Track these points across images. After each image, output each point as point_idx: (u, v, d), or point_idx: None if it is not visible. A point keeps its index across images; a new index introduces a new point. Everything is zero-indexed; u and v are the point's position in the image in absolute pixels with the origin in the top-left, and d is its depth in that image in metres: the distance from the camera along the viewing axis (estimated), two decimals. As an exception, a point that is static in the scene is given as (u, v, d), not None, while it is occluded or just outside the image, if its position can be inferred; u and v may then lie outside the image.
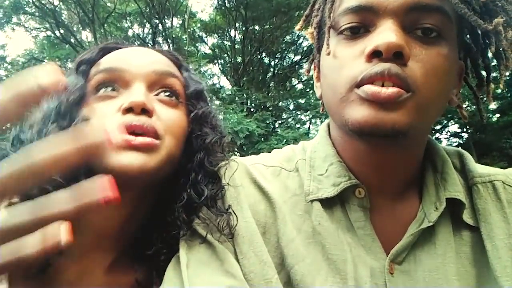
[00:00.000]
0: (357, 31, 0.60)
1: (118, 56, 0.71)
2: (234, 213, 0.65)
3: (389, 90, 0.54)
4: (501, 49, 0.60)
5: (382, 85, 0.54)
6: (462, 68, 0.67)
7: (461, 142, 14.94)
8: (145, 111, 0.64)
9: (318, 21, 0.71)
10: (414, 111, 0.55)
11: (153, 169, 0.63)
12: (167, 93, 0.71)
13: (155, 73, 0.69)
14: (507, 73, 0.67)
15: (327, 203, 0.66)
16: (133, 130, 0.62)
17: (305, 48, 15.33)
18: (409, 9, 0.56)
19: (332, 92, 0.62)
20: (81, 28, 13.91)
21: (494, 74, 0.70)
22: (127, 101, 0.63)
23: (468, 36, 0.67)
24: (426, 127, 0.63)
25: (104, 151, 0.28)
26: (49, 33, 13.65)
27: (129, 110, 0.63)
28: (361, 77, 0.56)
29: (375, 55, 0.55)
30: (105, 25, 12.87)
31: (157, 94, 0.70)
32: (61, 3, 12.15)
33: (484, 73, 0.69)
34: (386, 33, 0.55)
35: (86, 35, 14.26)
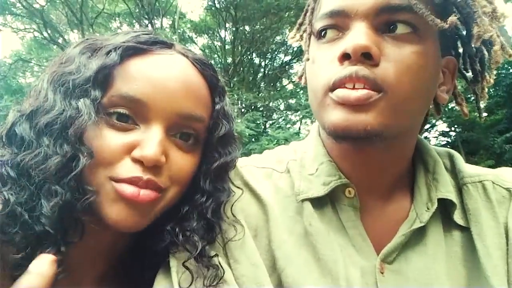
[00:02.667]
0: (332, 35, 0.61)
1: (144, 77, 0.59)
2: (221, 266, 0.60)
3: (359, 93, 0.54)
4: (475, 46, 0.61)
5: (353, 88, 0.55)
6: (454, 64, 0.67)
7: (449, 140, 15.12)
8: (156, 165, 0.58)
9: (305, 29, 0.72)
10: (386, 111, 0.55)
11: (146, 225, 0.60)
12: (186, 139, 0.63)
13: (180, 115, 0.60)
14: (494, 72, 0.68)
15: (318, 204, 0.65)
16: (137, 184, 0.57)
17: (295, 49, 15.38)
18: (379, 11, 0.56)
19: (312, 96, 0.64)
20: (69, 29, 13.76)
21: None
22: (141, 151, 0.56)
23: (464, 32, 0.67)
24: (406, 126, 0.61)
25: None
26: (36, 34, 13.49)
27: (140, 160, 0.57)
28: (333, 81, 0.57)
29: (345, 58, 0.56)
30: (94, 25, 12.75)
31: (174, 135, 0.62)
32: (48, 4, 11.99)
33: (479, 67, 0.69)
34: (355, 36, 0.56)
35: (74, 36, 14.13)
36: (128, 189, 0.56)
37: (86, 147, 0.55)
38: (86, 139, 0.56)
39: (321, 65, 0.61)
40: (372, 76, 0.54)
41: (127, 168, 0.56)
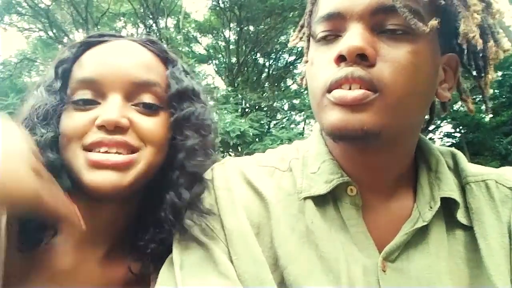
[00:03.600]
0: (330, 38, 0.61)
1: (96, 60, 0.68)
2: (219, 216, 0.64)
3: (355, 93, 0.55)
4: (465, 45, 0.60)
5: (350, 89, 0.56)
6: (456, 61, 0.67)
7: (454, 142, 15.04)
8: (118, 127, 0.63)
9: (304, 31, 0.73)
10: (383, 111, 0.55)
11: (128, 185, 0.64)
12: (146, 106, 0.69)
13: (133, 83, 0.68)
14: (500, 73, 0.67)
15: (320, 202, 0.66)
16: (106, 149, 0.63)
17: (299, 49, 15.31)
18: (374, 12, 0.57)
19: (312, 98, 0.64)
20: (74, 29, 13.81)
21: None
22: (100, 117, 0.63)
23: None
24: (404, 125, 0.61)
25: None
26: (42, 33, 13.55)
27: (102, 126, 0.63)
28: (329, 82, 0.58)
29: (341, 59, 0.57)
30: (99, 25, 12.80)
31: (135, 105, 0.68)
32: (54, 3, 12.05)
33: (481, 63, 0.68)
34: (349, 37, 0.56)
35: (80, 36, 14.18)
36: (96, 156, 0.63)
37: (51, 125, 0.66)
38: (61, 124, 0.66)
39: (319, 67, 0.62)
40: (368, 76, 0.55)
41: (92, 135, 0.64)
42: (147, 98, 0.69)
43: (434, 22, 0.55)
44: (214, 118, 0.80)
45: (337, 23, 0.60)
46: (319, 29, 0.63)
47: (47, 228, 0.61)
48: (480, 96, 0.70)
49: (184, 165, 0.70)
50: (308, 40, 0.67)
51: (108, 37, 0.73)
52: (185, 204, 0.66)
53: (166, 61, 0.76)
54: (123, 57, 0.69)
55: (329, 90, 0.58)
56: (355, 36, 0.56)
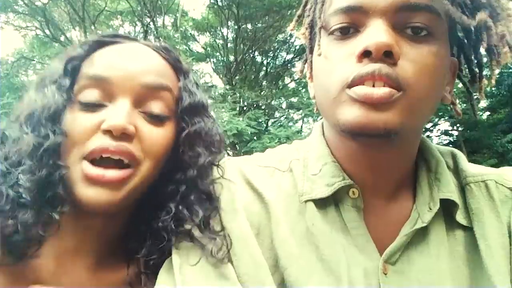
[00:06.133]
0: (348, 32, 0.59)
1: (108, 59, 0.66)
2: (229, 236, 0.62)
3: (381, 91, 0.54)
4: (492, 45, 0.60)
5: (373, 85, 0.54)
6: (455, 65, 0.67)
7: (452, 140, 15.08)
8: (125, 134, 0.62)
9: (310, 21, 0.71)
10: (406, 110, 0.55)
11: (120, 201, 0.63)
12: (154, 115, 0.67)
13: (144, 86, 0.65)
14: (497, 71, 0.67)
15: (321, 204, 0.65)
16: (108, 156, 0.61)
17: (297, 47, 15.34)
18: (398, 9, 0.56)
19: (324, 92, 0.62)
20: (71, 27, 13.76)
21: (485, 72, 0.70)
22: (107, 122, 0.61)
23: (461, 31, 0.67)
24: (418, 126, 0.62)
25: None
26: (39, 32, 13.48)
27: (109, 131, 0.61)
28: (352, 78, 0.56)
29: (365, 55, 0.55)
30: (96, 23, 12.75)
31: (143, 112, 0.66)
32: (50, 1, 11.99)
33: (476, 69, 0.69)
34: (376, 33, 0.55)
35: (76, 34, 14.13)
36: (93, 170, 0.60)
37: (59, 127, 0.62)
38: (63, 123, 0.63)
39: (335, 61, 0.60)
40: (394, 74, 0.54)
41: (96, 141, 0.61)
42: (156, 107, 0.67)
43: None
44: (222, 134, 0.77)
45: (356, 17, 0.58)
46: (335, 21, 0.60)
47: (31, 241, 0.59)
48: (478, 96, 0.70)
49: (197, 183, 0.68)
50: (319, 32, 0.64)
51: (121, 38, 0.71)
52: (198, 223, 0.64)
53: (178, 70, 0.73)
54: (136, 60, 0.67)
55: (350, 86, 0.57)
56: (381, 33, 0.54)
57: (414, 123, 0.58)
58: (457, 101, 0.74)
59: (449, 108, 0.76)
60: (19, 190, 0.58)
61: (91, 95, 0.64)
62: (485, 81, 0.67)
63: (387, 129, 0.54)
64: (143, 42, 0.72)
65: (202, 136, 0.71)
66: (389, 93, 0.54)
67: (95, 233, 0.69)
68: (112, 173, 0.61)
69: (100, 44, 0.69)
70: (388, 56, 0.54)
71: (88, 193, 0.60)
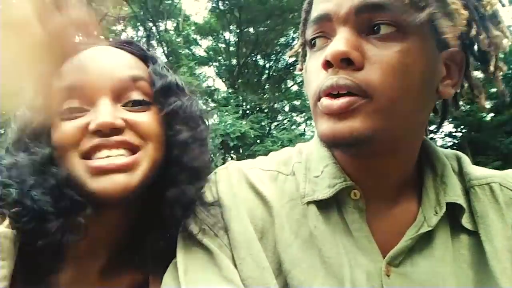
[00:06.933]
0: (322, 43, 0.60)
1: (77, 68, 0.66)
2: (223, 220, 0.64)
3: (340, 101, 0.54)
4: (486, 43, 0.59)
5: (338, 94, 0.55)
6: (461, 56, 0.64)
7: (456, 141, 15.03)
8: (114, 129, 0.62)
9: (302, 42, 0.73)
10: (375, 115, 0.54)
11: (138, 185, 0.63)
12: (136, 103, 0.68)
13: (119, 82, 0.66)
14: (501, 73, 0.66)
15: (324, 206, 0.65)
16: (107, 154, 0.62)
17: (299, 50, 15.36)
18: (357, 11, 0.55)
19: (310, 105, 0.64)
20: (74, 32, 13.84)
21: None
22: (94, 122, 0.61)
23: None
24: (400, 127, 0.59)
25: None
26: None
27: (98, 131, 0.62)
28: (319, 90, 0.57)
29: (328, 65, 0.56)
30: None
31: (124, 105, 0.67)
32: (54, 7, 12.06)
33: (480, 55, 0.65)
34: (334, 42, 0.55)
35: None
36: (97, 162, 0.61)
37: (45, 141, 0.64)
38: (52, 138, 0.64)
39: (311, 74, 0.61)
40: (354, 83, 0.54)
41: (88, 141, 0.62)
42: (135, 95, 0.68)
43: (423, 14, 0.53)
44: (203, 108, 0.78)
45: (326, 27, 0.59)
46: (310, 34, 0.62)
47: (58, 254, 0.60)
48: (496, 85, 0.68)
49: (181, 160, 0.69)
50: (303, 48, 0.66)
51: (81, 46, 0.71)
52: (190, 199, 0.65)
53: (146, 59, 0.74)
54: (103, 61, 0.68)
55: (319, 98, 0.58)
56: (339, 40, 0.55)
57: (390, 126, 0.56)
58: (460, 102, 0.73)
59: (453, 109, 0.75)
60: (40, 205, 0.58)
61: (70, 104, 0.64)
62: (492, 67, 0.64)
63: (354, 137, 0.54)
64: (103, 43, 0.73)
65: (180, 114, 0.71)
66: (348, 101, 0.54)
67: (106, 233, 0.69)
68: (120, 159, 0.62)
69: None
70: (348, 63, 0.54)
71: (102, 183, 0.61)
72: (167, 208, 0.67)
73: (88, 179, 0.61)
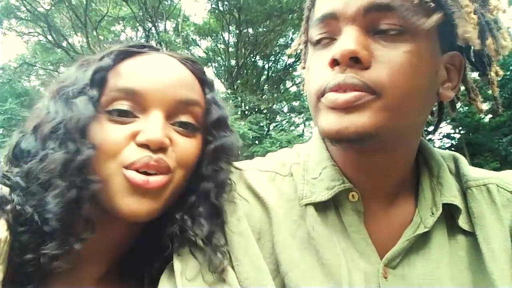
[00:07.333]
0: (326, 41, 0.60)
1: (138, 72, 0.64)
2: (228, 253, 0.62)
3: (347, 95, 0.54)
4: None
5: (344, 92, 0.55)
6: (460, 59, 0.64)
7: (454, 143, 15.04)
8: (161, 147, 0.61)
9: (304, 41, 0.73)
10: (382, 112, 0.54)
11: (159, 210, 0.63)
12: (184, 126, 0.66)
13: (177, 101, 0.64)
14: (501, 73, 0.66)
15: (321, 208, 0.65)
16: (147, 170, 0.60)
17: (299, 51, 15.36)
18: (366, 11, 0.55)
19: (309, 102, 0.64)
20: (73, 32, 13.83)
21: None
22: (145, 136, 0.60)
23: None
24: (404, 127, 0.59)
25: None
26: (41, 37, 13.57)
27: (145, 145, 0.60)
28: (324, 87, 0.57)
29: (335, 63, 0.56)
30: (98, 29, 12.82)
31: (174, 124, 0.65)
32: (53, 7, 12.06)
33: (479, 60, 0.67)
34: (343, 40, 0.56)
35: (79, 40, 14.21)
36: (139, 177, 0.59)
37: (88, 141, 0.59)
38: (91, 136, 0.60)
39: (315, 72, 0.61)
40: (362, 81, 0.54)
41: (134, 153, 0.60)
42: (186, 118, 0.66)
43: (435, 18, 0.54)
44: (241, 148, 0.77)
45: (332, 25, 0.59)
46: (315, 33, 0.62)
47: (49, 275, 0.58)
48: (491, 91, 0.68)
49: (209, 196, 0.66)
50: (306, 46, 0.66)
51: (147, 48, 0.70)
52: (202, 236, 0.63)
53: (204, 83, 0.73)
54: (167, 73, 0.66)
55: (323, 94, 0.58)
56: (347, 39, 0.55)
57: (395, 124, 0.57)
58: (459, 104, 0.73)
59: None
60: (45, 217, 0.55)
61: (122, 107, 0.62)
62: (493, 73, 0.65)
63: (358, 132, 0.54)
64: (167, 53, 0.71)
65: (226, 151, 0.70)
66: (355, 96, 0.54)
67: (110, 243, 0.68)
68: (155, 179, 0.60)
69: (126, 54, 0.67)
70: (356, 61, 0.54)
71: (130, 203, 0.59)
72: (170, 228, 0.66)
73: (122, 193, 0.59)
